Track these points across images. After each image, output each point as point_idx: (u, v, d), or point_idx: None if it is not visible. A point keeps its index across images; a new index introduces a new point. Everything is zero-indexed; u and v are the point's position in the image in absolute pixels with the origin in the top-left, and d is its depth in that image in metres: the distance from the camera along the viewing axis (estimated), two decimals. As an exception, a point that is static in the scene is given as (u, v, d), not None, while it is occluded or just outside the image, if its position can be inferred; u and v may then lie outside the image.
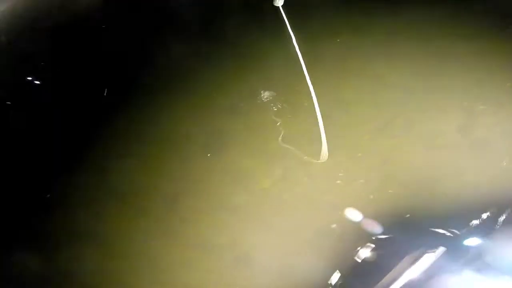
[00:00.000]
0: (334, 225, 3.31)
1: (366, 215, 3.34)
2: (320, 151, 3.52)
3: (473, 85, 3.77)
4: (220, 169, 4.23)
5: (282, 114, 4.25)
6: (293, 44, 3.78)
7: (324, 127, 3.85)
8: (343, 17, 4.34)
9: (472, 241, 2.85)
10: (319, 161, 3.79)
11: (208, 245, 3.77)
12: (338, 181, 3.62)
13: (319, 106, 3.88)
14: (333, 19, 4.38)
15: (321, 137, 3.54)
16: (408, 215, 3.32)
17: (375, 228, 3.24)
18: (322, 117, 3.90)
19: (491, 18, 3.91)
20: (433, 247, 2.81)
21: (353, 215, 3.34)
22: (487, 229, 2.93)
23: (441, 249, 2.76)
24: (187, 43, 5.40)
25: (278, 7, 3.50)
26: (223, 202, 3.96)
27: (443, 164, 3.66)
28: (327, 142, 3.77)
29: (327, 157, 3.71)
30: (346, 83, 4.06)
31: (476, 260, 2.60)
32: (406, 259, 2.83)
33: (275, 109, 4.41)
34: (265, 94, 4.63)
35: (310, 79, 3.83)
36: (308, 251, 3.25)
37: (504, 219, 2.93)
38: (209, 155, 4.36)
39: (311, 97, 4.10)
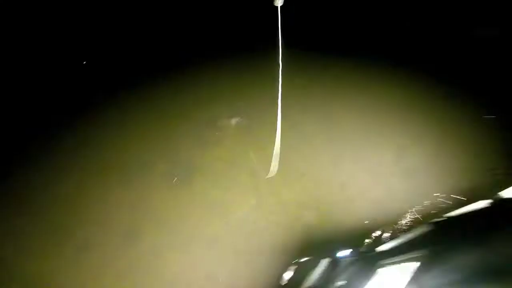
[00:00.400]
0: (312, 250, 3.59)
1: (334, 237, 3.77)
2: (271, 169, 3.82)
3: (404, 124, 4.68)
4: (188, 200, 4.13)
5: (250, 143, 4.44)
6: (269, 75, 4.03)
7: (288, 158, 4.19)
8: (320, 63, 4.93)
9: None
10: (267, 177, 4.11)
11: (181, 282, 3.60)
12: (307, 208, 3.96)
13: (283, 137, 4.21)
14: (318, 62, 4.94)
15: (274, 158, 3.81)
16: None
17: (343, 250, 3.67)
18: (286, 148, 4.23)
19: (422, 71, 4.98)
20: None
21: (328, 237, 3.72)
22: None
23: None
24: (152, 67, 5.24)
25: (277, 7, 3.62)
26: (194, 234, 3.86)
27: (380, 188, 4.38)
28: (288, 167, 4.12)
29: (274, 174, 4.01)
30: (310, 117, 4.53)
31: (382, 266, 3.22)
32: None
33: (243, 138, 4.58)
34: (233, 122, 4.75)
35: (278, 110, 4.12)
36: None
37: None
38: (175, 179, 4.25)
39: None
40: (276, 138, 3.89)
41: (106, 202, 4.41)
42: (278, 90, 3.86)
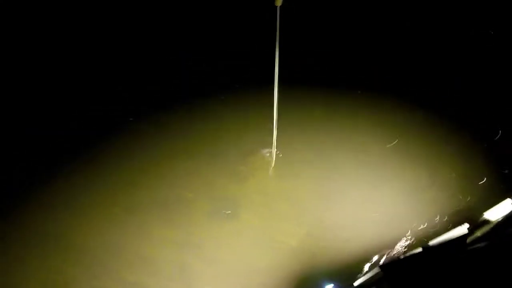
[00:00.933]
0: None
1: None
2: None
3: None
4: (236, 234, 4.34)
5: (283, 174, 4.77)
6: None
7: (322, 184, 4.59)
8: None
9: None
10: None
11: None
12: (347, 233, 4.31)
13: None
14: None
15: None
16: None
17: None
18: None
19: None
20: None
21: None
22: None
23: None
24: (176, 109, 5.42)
25: (277, 7, 3.91)
26: (250, 269, 4.08)
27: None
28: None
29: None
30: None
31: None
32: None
33: (275, 169, 4.89)
34: (263, 154, 5.03)
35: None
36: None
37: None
38: (228, 212, 4.48)
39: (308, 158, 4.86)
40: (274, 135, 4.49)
41: (152, 243, 4.46)
42: (274, 97, 4.23)
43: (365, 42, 6.44)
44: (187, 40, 6.25)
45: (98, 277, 4.34)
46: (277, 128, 4.58)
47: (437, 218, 4.33)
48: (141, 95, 5.77)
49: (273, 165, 4.86)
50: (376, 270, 3.41)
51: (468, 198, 4.49)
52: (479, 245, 3.25)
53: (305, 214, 4.54)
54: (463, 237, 3.40)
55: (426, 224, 4.38)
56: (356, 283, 3.72)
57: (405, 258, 3.74)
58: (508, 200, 3.69)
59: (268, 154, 4.99)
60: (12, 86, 5.92)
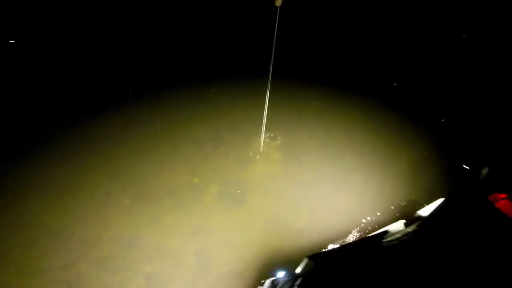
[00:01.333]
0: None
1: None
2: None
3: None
4: (247, 218, 4.48)
5: (287, 156, 4.96)
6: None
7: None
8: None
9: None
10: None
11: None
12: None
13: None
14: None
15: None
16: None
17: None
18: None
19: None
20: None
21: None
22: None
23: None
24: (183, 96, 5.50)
25: (277, 7, 4.03)
26: (265, 249, 4.25)
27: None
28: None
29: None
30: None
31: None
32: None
33: (280, 152, 5.06)
34: (266, 138, 5.19)
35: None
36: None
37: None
38: (238, 192, 4.65)
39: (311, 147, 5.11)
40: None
41: (165, 231, 4.48)
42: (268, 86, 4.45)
43: (364, 42, 6.59)
44: (187, 40, 6.33)
45: (111, 270, 4.30)
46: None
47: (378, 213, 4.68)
48: (141, 95, 5.77)
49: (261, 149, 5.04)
50: (306, 260, 3.64)
51: (412, 197, 4.82)
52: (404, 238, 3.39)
53: (313, 197, 4.71)
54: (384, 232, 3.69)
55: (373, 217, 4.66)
56: (297, 270, 3.86)
57: (333, 250, 4.15)
58: (440, 199, 3.91)
59: (268, 140, 5.20)
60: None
